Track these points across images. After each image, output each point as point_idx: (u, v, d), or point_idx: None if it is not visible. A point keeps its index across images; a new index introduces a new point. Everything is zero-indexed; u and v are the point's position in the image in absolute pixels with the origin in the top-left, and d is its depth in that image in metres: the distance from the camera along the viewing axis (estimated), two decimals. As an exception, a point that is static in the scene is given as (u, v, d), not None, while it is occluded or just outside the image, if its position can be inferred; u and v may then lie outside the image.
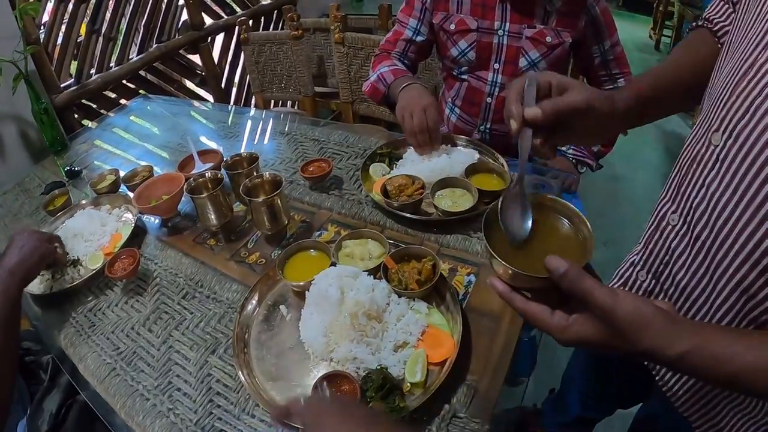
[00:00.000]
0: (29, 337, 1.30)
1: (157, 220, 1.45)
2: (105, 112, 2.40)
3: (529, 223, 0.70)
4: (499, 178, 1.29)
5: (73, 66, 2.41)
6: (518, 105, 0.73)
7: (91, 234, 1.37)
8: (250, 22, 2.75)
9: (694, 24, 0.91)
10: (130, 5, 2.58)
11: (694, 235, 0.71)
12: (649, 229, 0.84)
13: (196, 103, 2.35)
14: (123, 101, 2.56)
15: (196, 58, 3.12)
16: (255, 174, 1.32)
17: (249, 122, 2.01)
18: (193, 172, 1.51)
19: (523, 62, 1.49)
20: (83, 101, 2.42)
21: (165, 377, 1.00)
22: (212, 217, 1.28)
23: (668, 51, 4.68)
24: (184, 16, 2.95)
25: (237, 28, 2.79)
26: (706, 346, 0.54)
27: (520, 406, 1.72)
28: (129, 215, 1.45)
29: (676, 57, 0.89)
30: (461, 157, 1.37)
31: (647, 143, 3.63)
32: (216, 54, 3.23)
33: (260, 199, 1.20)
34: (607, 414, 1.42)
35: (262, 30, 3.49)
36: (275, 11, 3.58)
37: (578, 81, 0.77)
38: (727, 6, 0.83)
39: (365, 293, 0.95)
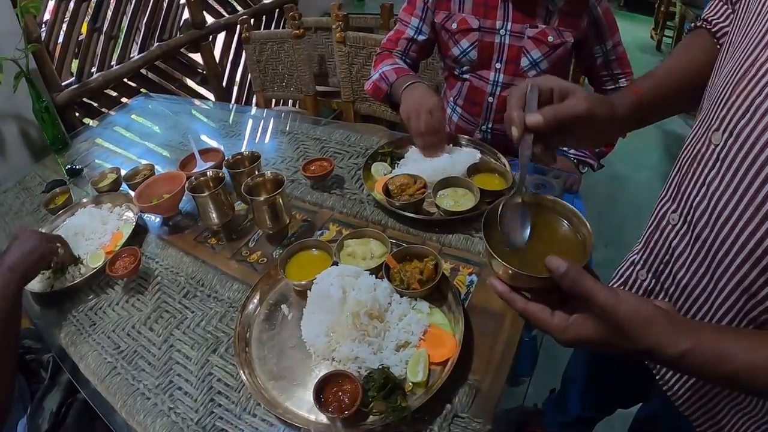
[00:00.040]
0: (30, 336, 1.29)
1: (158, 219, 1.45)
2: (106, 111, 2.39)
3: (528, 231, 0.71)
4: (501, 177, 1.29)
5: (74, 64, 2.41)
6: (519, 112, 0.73)
7: (92, 232, 1.37)
8: (252, 20, 2.74)
9: (692, 25, 0.91)
10: (131, 4, 2.58)
11: (695, 234, 0.71)
12: (649, 228, 0.84)
13: (197, 102, 2.35)
14: (124, 100, 2.55)
15: (197, 57, 3.12)
16: (256, 173, 1.32)
17: (250, 121, 2.01)
18: (194, 170, 1.51)
19: (524, 62, 1.49)
20: (84, 100, 2.42)
21: (166, 376, 1.00)
22: (213, 215, 1.28)
23: (669, 51, 4.67)
24: (186, 14, 2.95)
25: (238, 26, 2.78)
26: (706, 345, 0.54)
27: (521, 407, 1.71)
28: (130, 214, 1.45)
29: (675, 59, 0.89)
30: (463, 156, 1.37)
31: (648, 143, 3.63)
32: (217, 53, 3.23)
33: (262, 198, 1.19)
34: (607, 414, 1.42)
35: (264, 29, 3.49)
36: (277, 10, 3.58)
37: (580, 86, 0.77)
38: (726, 7, 0.83)
39: (367, 293, 0.95)
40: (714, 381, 0.70)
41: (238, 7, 3.31)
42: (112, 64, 2.56)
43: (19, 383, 1.18)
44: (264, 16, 3.51)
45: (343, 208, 1.34)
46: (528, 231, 0.71)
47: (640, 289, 0.88)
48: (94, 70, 2.47)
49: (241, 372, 0.93)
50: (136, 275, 1.23)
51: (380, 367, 0.88)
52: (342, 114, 2.66)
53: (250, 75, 2.94)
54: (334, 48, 2.42)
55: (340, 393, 0.84)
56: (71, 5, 2.29)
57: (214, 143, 1.81)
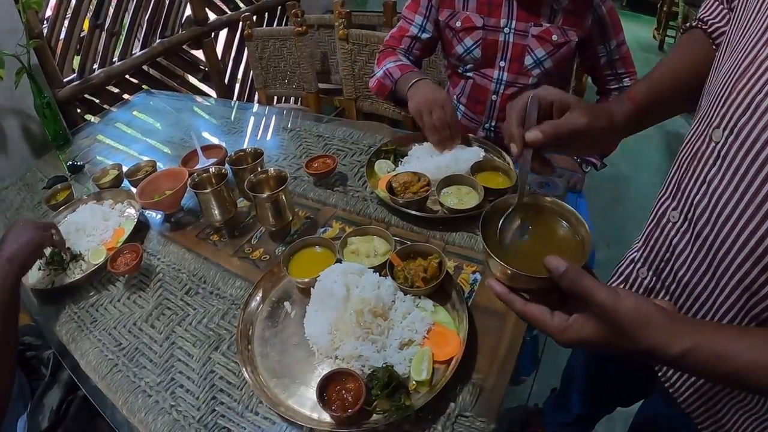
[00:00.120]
0: (30, 332, 1.29)
1: (160, 216, 1.44)
2: (108, 107, 2.38)
3: (525, 236, 0.71)
4: (505, 175, 1.28)
5: (76, 61, 2.40)
6: (519, 129, 0.74)
7: (94, 229, 1.36)
8: (254, 17, 2.73)
9: (687, 25, 0.90)
10: (133, 0, 2.57)
11: (696, 231, 0.71)
12: (648, 226, 0.84)
13: (198, 99, 2.34)
14: (126, 96, 2.54)
15: (199, 54, 3.11)
16: (259, 169, 1.31)
17: (252, 118, 2.00)
18: (196, 167, 1.51)
19: (528, 60, 1.49)
20: (86, 96, 2.41)
21: (167, 374, 0.99)
22: (216, 212, 1.28)
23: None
24: (188, 11, 2.94)
25: (241, 23, 2.78)
26: (707, 344, 0.54)
27: (522, 406, 1.71)
28: (132, 210, 1.45)
29: (671, 62, 0.89)
30: (466, 154, 1.36)
31: (650, 143, 3.63)
32: (219, 49, 3.22)
33: (265, 195, 1.19)
34: (607, 412, 1.42)
35: (266, 26, 3.48)
36: (279, 7, 3.57)
37: (580, 99, 0.77)
38: (721, 6, 0.83)
39: (371, 290, 0.94)
40: (715, 380, 0.70)
41: (241, 4, 3.30)
42: (113, 60, 2.55)
43: (20, 380, 1.18)
44: (266, 13, 3.51)
45: (346, 206, 1.34)
46: (525, 236, 0.71)
47: (641, 287, 0.88)
48: (95, 66, 2.46)
49: (244, 370, 0.93)
50: (138, 272, 1.22)
51: (384, 365, 0.87)
52: (344, 111, 2.66)
53: (252, 72, 2.93)
54: (337, 45, 2.41)
55: (343, 391, 0.84)
56: (73, 1, 2.28)
57: (215, 140, 1.80)
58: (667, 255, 0.79)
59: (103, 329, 1.12)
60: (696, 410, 0.83)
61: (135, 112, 2.19)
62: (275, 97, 3.07)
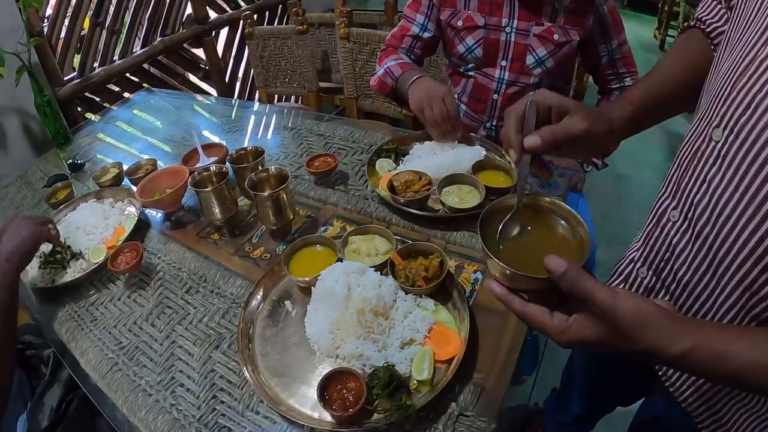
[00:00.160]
0: (30, 331, 1.29)
1: (160, 214, 1.44)
2: (108, 106, 2.38)
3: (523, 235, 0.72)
4: (506, 175, 1.28)
5: (77, 59, 2.40)
6: (517, 135, 0.74)
7: (94, 227, 1.36)
8: (255, 16, 2.72)
9: (685, 24, 0.90)
10: (134, -2, 2.57)
11: (696, 231, 0.71)
12: (648, 225, 0.84)
13: (199, 97, 2.34)
14: (126, 94, 2.54)
15: (199, 52, 3.10)
16: (260, 168, 1.31)
17: (252, 116, 1.99)
18: (197, 165, 1.51)
19: (530, 60, 1.48)
20: (86, 94, 2.41)
21: (168, 372, 0.99)
22: (216, 211, 1.27)
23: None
24: (189, 9, 2.93)
25: (241, 22, 2.77)
26: (707, 344, 0.54)
27: (523, 406, 1.71)
28: (132, 209, 1.44)
29: (670, 62, 0.88)
30: (468, 153, 1.36)
31: (652, 143, 3.63)
32: (220, 48, 3.21)
33: (266, 194, 1.18)
34: (607, 411, 1.42)
35: (267, 24, 3.47)
36: (280, 6, 3.57)
37: (579, 103, 0.77)
38: (719, 6, 0.83)
39: (372, 289, 0.94)
40: (715, 380, 0.70)
41: (242, 3, 3.29)
42: (114, 58, 2.55)
43: (20, 378, 1.17)
44: (267, 12, 3.50)
45: (347, 205, 1.34)
46: (524, 237, 0.72)
47: (641, 287, 0.88)
48: (96, 64, 2.46)
49: (244, 369, 0.92)
50: (138, 270, 1.22)
51: (385, 364, 0.87)
52: (345, 110, 2.66)
53: (252, 70, 2.92)
54: (338, 44, 2.40)
55: (344, 391, 0.83)
56: (73, 0, 2.28)
57: (216, 139, 1.80)
58: (667, 254, 0.79)
59: (103, 328, 1.11)
60: (696, 409, 0.83)
61: (135, 111, 2.19)
62: (276, 96, 3.06)
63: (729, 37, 0.70)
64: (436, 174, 1.28)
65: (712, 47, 0.83)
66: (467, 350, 0.88)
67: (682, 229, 0.74)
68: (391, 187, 1.27)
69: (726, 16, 0.81)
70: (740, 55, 0.64)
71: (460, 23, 1.51)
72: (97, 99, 2.49)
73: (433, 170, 1.30)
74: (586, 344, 0.59)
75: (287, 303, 1.06)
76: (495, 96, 1.58)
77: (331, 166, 1.40)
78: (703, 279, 0.72)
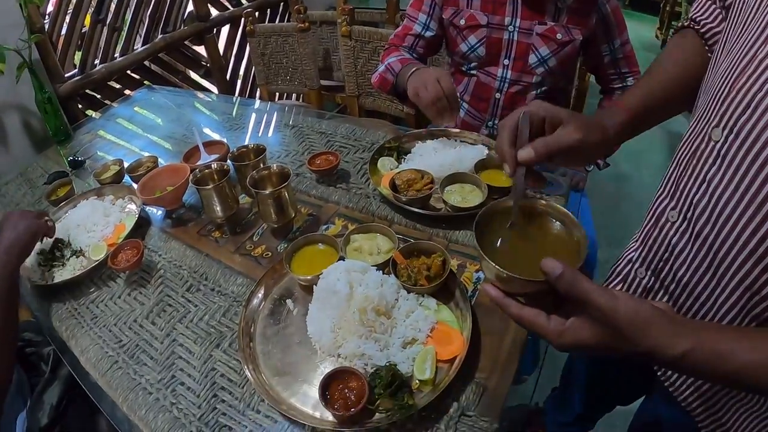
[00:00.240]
0: (30, 329, 1.28)
1: (161, 212, 1.43)
2: (109, 103, 2.38)
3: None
4: (508, 174, 1.27)
5: (77, 56, 2.39)
6: (510, 148, 0.74)
7: (94, 224, 1.36)
8: (257, 13, 2.72)
9: (679, 25, 0.90)
10: (135, -5, 2.56)
11: (695, 231, 0.70)
12: (646, 225, 0.84)
13: (200, 95, 2.33)
14: (127, 92, 2.54)
15: (201, 50, 3.10)
16: (262, 166, 1.31)
17: (254, 114, 1.99)
18: (198, 163, 1.50)
19: (533, 59, 1.48)
20: (87, 91, 2.40)
21: (168, 371, 0.98)
22: (218, 209, 1.27)
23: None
24: (190, 7, 2.92)
25: (243, 19, 2.76)
26: (706, 345, 0.54)
27: (524, 405, 1.71)
28: (133, 206, 1.44)
29: (665, 64, 0.88)
30: (470, 152, 1.36)
31: (652, 143, 3.62)
32: (221, 45, 3.20)
33: (267, 192, 1.18)
34: (607, 411, 1.42)
35: (269, 22, 3.47)
36: (281, 3, 3.56)
37: (573, 113, 0.76)
38: (714, 6, 0.82)
39: (374, 288, 0.94)
40: (715, 381, 0.70)
41: (243, 0, 3.28)
42: (115, 55, 2.54)
43: (19, 376, 1.17)
44: (269, 10, 3.49)
45: (348, 203, 1.33)
46: (520, 240, 0.71)
47: (640, 287, 0.87)
48: (97, 61, 2.45)
49: (245, 367, 0.92)
50: (139, 268, 1.22)
51: (387, 364, 0.87)
52: (346, 108, 2.65)
53: (254, 68, 2.92)
54: (339, 42, 2.40)
55: (346, 390, 0.83)
56: (75, -4, 2.27)
57: (217, 136, 1.79)
58: (666, 255, 0.78)
59: (103, 326, 1.11)
60: (696, 409, 0.82)
61: (136, 108, 2.19)
62: (277, 94, 3.06)
63: (726, 36, 0.70)
64: (438, 173, 1.28)
65: (707, 47, 0.83)
66: (469, 350, 0.88)
67: (681, 229, 0.74)
68: (393, 186, 1.26)
69: (720, 16, 0.81)
70: (739, 54, 0.63)
71: (462, 22, 1.50)
72: (98, 96, 2.48)
73: (435, 169, 1.29)
74: (584, 347, 0.59)
75: (289, 302, 1.05)
76: (497, 95, 1.57)
77: (333, 164, 1.40)
78: (703, 279, 0.71)
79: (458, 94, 1.66)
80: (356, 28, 2.31)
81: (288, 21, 3.52)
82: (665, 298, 0.81)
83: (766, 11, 0.61)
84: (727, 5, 0.75)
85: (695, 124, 0.72)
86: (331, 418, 0.83)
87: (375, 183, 1.34)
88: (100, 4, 2.40)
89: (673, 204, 0.76)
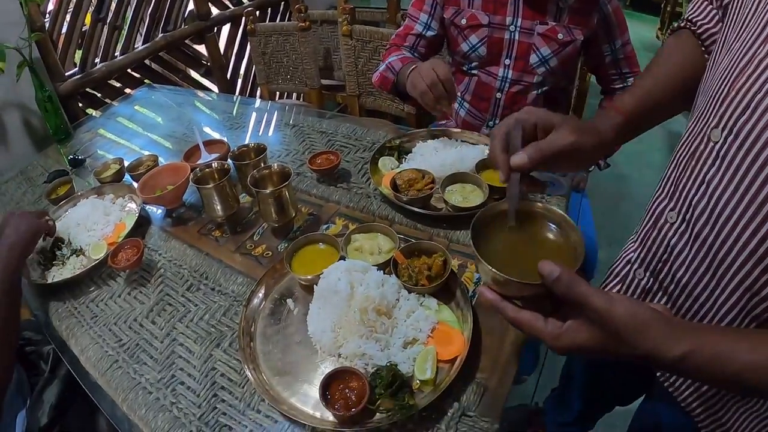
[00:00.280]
0: (30, 328, 1.28)
1: (161, 211, 1.43)
2: (109, 101, 2.38)
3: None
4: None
5: (78, 54, 2.39)
6: (503, 155, 0.73)
7: (94, 223, 1.35)
8: (257, 12, 2.72)
9: (675, 25, 0.89)
10: (135, -6, 2.56)
11: (695, 232, 0.70)
12: (645, 226, 0.84)
13: (200, 94, 2.33)
14: (127, 90, 2.54)
15: (201, 49, 3.10)
16: (263, 165, 1.30)
17: (254, 113, 1.99)
18: (198, 162, 1.50)
19: (534, 59, 1.48)
20: (87, 90, 2.40)
21: (168, 370, 0.98)
22: (218, 208, 1.27)
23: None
24: (191, 5, 2.92)
25: (244, 18, 2.76)
26: (705, 347, 0.54)
27: (524, 406, 1.70)
28: (133, 205, 1.44)
29: (661, 66, 0.87)
30: (471, 152, 1.35)
31: (653, 143, 3.62)
32: (222, 44, 3.20)
33: (268, 191, 1.18)
34: (606, 411, 1.42)
35: (269, 21, 3.47)
36: (282, 2, 3.56)
37: (566, 117, 0.76)
38: (710, 7, 0.82)
39: (375, 288, 0.94)
40: (715, 383, 0.69)
41: (244, -1, 3.29)
42: (115, 54, 2.54)
43: (19, 375, 1.17)
44: (269, 9, 3.49)
45: (349, 202, 1.33)
46: (517, 243, 0.71)
47: (638, 288, 0.87)
48: (97, 60, 2.45)
49: (245, 367, 0.92)
50: (139, 267, 1.21)
51: (388, 364, 0.86)
52: (347, 108, 2.65)
53: (254, 67, 2.92)
54: (340, 41, 2.40)
55: (346, 390, 0.83)
56: (75, -5, 2.27)
57: (217, 135, 1.79)
58: (665, 256, 0.78)
59: (103, 325, 1.11)
60: (696, 409, 0.82)
61: (137, 107, 2.18)
62: (277, 93, 3.05)
63: (725, 37, 0.70)
64: (439, 172, 1.28)
65: (703, 48, 0.83)
66: (470, 350, 0.88)
67: (680, 230, 0.74)
68: (394, 186, 1.26)
69: (717, 17, 0.81)
70: (737, 55, 0.63)
71: (463, 22, 1.50)
72: (98, 95, 2.48)
73: (436, 168, 1.29)
74: (582, 349, 0.59)
75: (289, 301, 1.05)
76: (498, 95, 1.57)
77: (334, 163, 1.40)
78: (703, 280, 0.71)
79: (459, 93, 1.67)
80: (357, 27, 2.31)
81: (289, 20, 3.52)
82: (664, 300, 0.81)
83: (764, 11, 0.60)
84: (725, 5, 0.75)
85: (694, 124, 0.71)
86: (331, 418, 0.83)
87: (376, 182, 1.34)
88: (100, 3, 2.40)
89: (671, 205, 0.76)
